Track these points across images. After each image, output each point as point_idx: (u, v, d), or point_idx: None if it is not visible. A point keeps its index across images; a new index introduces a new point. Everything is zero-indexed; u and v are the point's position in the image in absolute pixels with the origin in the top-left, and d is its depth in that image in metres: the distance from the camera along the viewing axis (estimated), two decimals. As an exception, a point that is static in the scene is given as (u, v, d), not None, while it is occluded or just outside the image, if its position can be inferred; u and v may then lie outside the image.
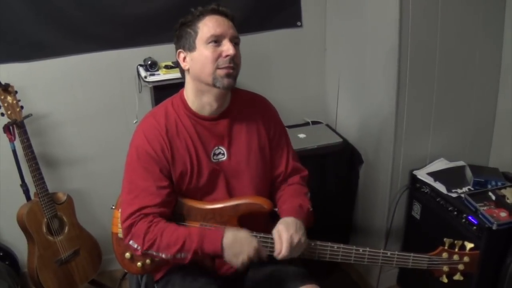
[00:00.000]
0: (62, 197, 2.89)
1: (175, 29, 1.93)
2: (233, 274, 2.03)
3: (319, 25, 3.33)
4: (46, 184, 2.78)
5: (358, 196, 3.24)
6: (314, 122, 3.42)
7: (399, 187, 2.89)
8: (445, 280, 1.92)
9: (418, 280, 2.83)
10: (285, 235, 1.80)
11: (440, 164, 2.83)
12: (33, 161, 2.72)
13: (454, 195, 2.58)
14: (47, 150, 3.04)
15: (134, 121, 2.96)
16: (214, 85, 1.85)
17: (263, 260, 1.80)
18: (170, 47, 2.01)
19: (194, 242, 1.78)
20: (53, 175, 3.08)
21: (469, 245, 1.90)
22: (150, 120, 1.95)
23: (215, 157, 1.97)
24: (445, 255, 1.90)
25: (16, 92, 2.68)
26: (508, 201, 2.42)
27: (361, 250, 1.88)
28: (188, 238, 1.78)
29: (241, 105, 2.04)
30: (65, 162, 3.12)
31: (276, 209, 1.93)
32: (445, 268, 1.91)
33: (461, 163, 2.82)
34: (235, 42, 1.87)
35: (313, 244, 1.88)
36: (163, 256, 1.81)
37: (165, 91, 2.69)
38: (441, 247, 1.91)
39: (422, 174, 2.78)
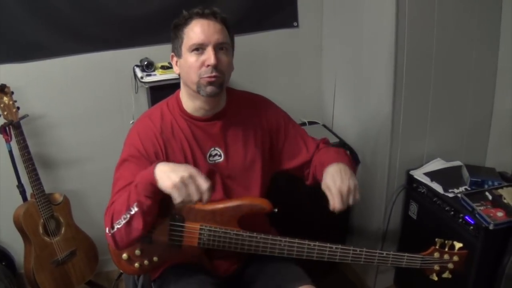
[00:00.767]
0: (59, 197, 2.89)
1: (171, 30, 1.93)
2: (229, 274, 2.04)
3: (315, 26, 3.33)
4: (43, 185, 2.77)
5: (355, 196, 3.23)
6: (310, 122, 3.42)
7: (395, 187, 2.89)
8: (435, 278, 1.96)
9: (415, 281, 2.84)
10: (334, 189, 1.78)
11: (436, 164, 2.83)
12: (30, 162, 2.72)
13: (450, 195, 2.58)
14: (44, 151, 3.03)
15: (131, 122, 2.96)
16: (198, 93, 1.85)
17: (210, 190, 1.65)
18: (166, 47, 2.01)
19: (133, 184, 1.72)
20: (50, 175, 3.08)
21: (458, 245, 1.94)
22: (145, 120, 1.95)
23: (211, 159, 1.97)
24: (436, 254, 1.94)
25: (12, 92, 2.68)
26: (505, 201, 2.42)
27: (358, 250, 1.88)
28: (130, 188, 1.73)
29: (237, 106, 2.03)
30: (62, 163, 3.11)
31: (276, 210, 1.92)
32: (436, 267, 1.95)
33: (457, 163, 2.83)
34: (221, 48, 1.84)
35: (312, 245, 1.88)
36: (123, 221, 1.72)
37: (161, 92, 2.70)
38: (433, 247, 1.94)
39: (418, 174, 2.78)
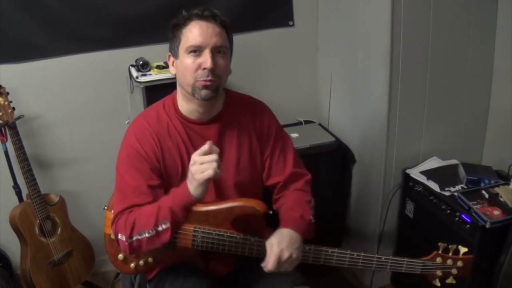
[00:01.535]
0: (55, 198, 2.88)
1: (168, 29, 1.91)
2: (225, 275, 2.03)
3: (311, 25, 3.33)
4: (39, 186, 2.77)
5: (351, 195, 3.24)
6: (306, 122, 3.42)
7: (392, 186, 2.89)
8: (438, 284, 1.92)
9: (412, 280, 2.83)
10: (276, 249, 1.76)
11: (433, 163, 2.84)
12: (25, 163, 2.71)
13: (447, 193, 2.58)
14: (39, 152, 3.03)
15: (126, 122, 2.95)
16: (193, 95, 1.83)
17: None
18: (162, 47, 2.01)
19: (168, 201, 1.77)
20: (45, 176, 3.07)
21: (463, 250, 1.89)
22: (141, 121, 1.94)
23: None
24: (439, 259, 1.90)
25: (7, 93, 2.67)
26: (501, 199, 2.42)
27: (355, 255, 1.87)
28: (161, 203, 1.78)
29: (235, 110, 2.01)
30: (57, 163, 3.11)
31: (271, 212, 1.91)
32: (439, 273, 1.91)
33: (454, 161, 2.83)
34: (219, 51, 1.81)
35: (307, 248, 1.87)
36: (147, 235, 1.76)
37: (157, 92, 2.69)
38: (435, 252, 1.90)
39: (415, 173, 2.78)
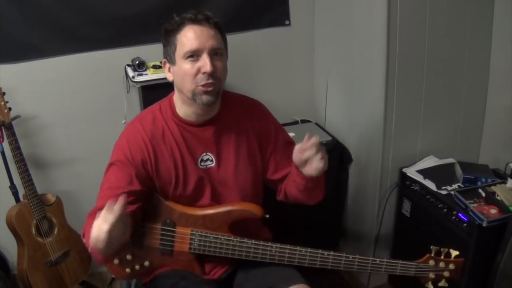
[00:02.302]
0: (51, 198, 2.88)
1: (162, 34, 1.89)
2: (221, 277, 2.03)
3: (307, 24, 3.33)
4: (35, 186, 2.76)
5: (348, 194, 3.24)
6: (303, 121, 3.41)
7: (388, 185, 2.89)
8: (430, 286, 1.93)
9: (409, 279, 2.83)
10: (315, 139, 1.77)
11: (429, 162, 2.84)
12: (22, 163, 2.71)
13: (444, 192, 2.58)
14: (36, 152, 3.02)
15: (123, 122, 2.94)
16: (194, 101, 1.82)
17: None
18: (158, 47, 1.99)
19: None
20: (42, 176, 3.06)
21: (454, 253, 1.92)
22: (136, 125, 1.94)
23: (202, 163, 1.95)
24: (431, 262, 1.91)
25: (4, 93, 2.67)
26: (498, 198, 2.42)
27: (350, 257, 1.87)
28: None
29: (231, 110, 2.01)
30: (54, 164, 3.10)
31: (267, 216, 1.91)
32: (431, 275, 1.92)
33: (451, 160, 2.83)
34: (216, 53, 1.81)
35: (303, 251, 1.87)
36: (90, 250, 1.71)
37: (153, 91, 2.69)
38: (428, 255, 1.92)
39: (411, 172, 2.78)
